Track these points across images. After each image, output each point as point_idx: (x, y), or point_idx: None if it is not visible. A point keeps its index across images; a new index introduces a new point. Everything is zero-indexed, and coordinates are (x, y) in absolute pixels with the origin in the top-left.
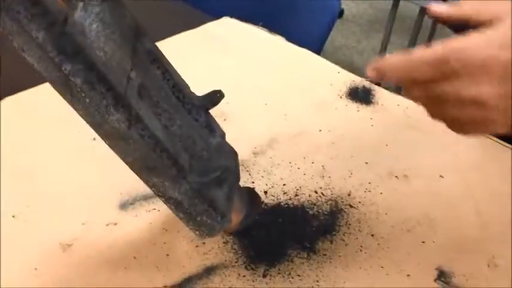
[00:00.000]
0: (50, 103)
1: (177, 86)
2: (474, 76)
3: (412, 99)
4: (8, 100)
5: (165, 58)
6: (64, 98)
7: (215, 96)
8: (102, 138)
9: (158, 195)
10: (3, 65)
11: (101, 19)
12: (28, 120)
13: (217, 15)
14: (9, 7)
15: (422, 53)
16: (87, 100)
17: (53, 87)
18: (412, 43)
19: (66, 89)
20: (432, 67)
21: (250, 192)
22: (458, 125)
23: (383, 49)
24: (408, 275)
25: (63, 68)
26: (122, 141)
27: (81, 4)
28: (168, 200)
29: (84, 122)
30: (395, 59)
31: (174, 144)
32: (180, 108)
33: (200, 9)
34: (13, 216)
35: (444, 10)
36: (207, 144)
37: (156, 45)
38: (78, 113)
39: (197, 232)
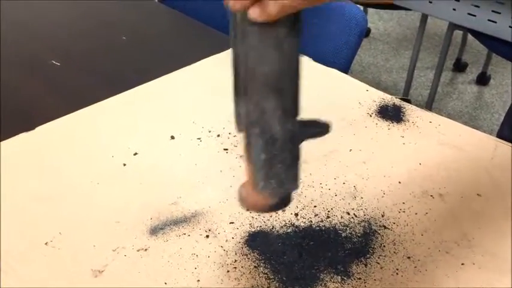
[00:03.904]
0: (82, 130)
1: None
2: None
3: None
4: (42, 128)
5: None
6: None
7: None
8: (251, 35)
9: (253, 126)
10: (38, 95)
11: None
12: (60, 147)
13: None
14: None
15: None
16: None
17: None
18: (442, 59)
19: None
20: None
21: None
22: None
23: (412, 67)
24: None
25: None
26: (272, 45)
27: None
28: (263, 134)
29: (116, 146)
30: None
31: (299, 81)
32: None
33: (227, 34)
34: (46, 244)
35: None
36: None
37: None
38: None
39: (262, 184)
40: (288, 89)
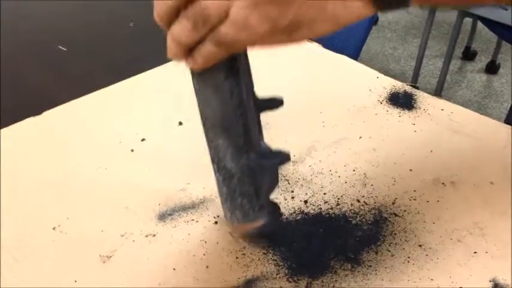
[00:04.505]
0: (89, 116)
1: (250, 72)
2: None
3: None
4: (49, 113)
5: None
6: None
7: (276, 102)
8: (193, 80)
9: (212, 161)
10: (43, 80)
11: None
12: (68, 132)
13: None
14: None
15: None
16: None
17: None
18: (451, 48)
19: None
20: None
21: (273, 203)
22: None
23: (420, 55)
24: None
25: None
26: (212, 89)
27: None
28: (220, 170)
29: (124, 132)
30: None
31: (250, 116)
32: (250, 92)
33: None
34: (53, 229)
35: None
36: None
37: None
38: None
39: (229, 215)
40: (235, 127)
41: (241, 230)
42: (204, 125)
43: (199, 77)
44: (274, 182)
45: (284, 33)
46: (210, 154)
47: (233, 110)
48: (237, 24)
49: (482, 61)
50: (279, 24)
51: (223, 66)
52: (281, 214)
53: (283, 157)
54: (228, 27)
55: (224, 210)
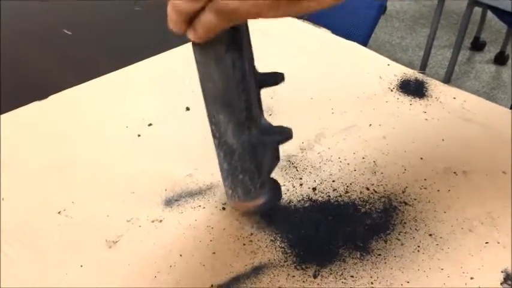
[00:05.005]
0: (96, 100)
1: (250, 45)
2: None
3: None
4: (54, 97)
5: None
6: None
7: (277, 77)
8: (195, 52)
9: (214, 136)
10: (49, 66)
11: None
12: (74, 117)
13: None
14: None
15: None
16: None
17: None
18: (460, 38)
19: None
20: None
21: (274, 180)
22: None
23: (429, 45)
24: (472, 278)
25: None
26: (213, 62)
27: None
28: (221, 145)
29: (130, 117)
30: None
31: (252, 91)
32: (251, 67)
33: None
34: (59, 213)
35: None
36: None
37: None
38: None
39: (230, 192)
40: (236, 102)
41: (243, 207)
42: (205, 99)
43: (201, 49)
44: (275, 159)
45: (290, 4)
46: (211, 130)
47: (235, 84)
48: None
49: (491, 52)
50: None
51: (225, 38)
52: (281, 193)
53: (284, 133)
54: None
55: (225, 188)
